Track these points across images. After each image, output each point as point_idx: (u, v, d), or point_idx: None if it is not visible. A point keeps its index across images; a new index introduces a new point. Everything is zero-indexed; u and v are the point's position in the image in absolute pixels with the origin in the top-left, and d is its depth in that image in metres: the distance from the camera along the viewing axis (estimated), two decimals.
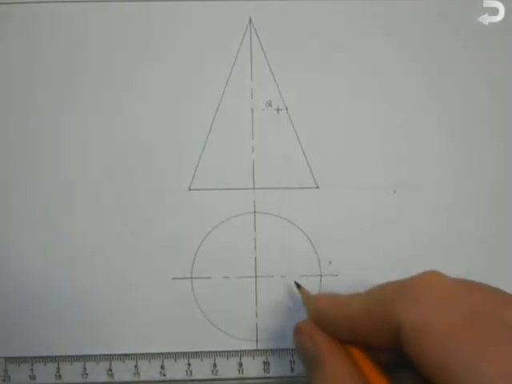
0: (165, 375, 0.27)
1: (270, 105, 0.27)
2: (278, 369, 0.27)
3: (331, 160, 0.27)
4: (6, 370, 0.26)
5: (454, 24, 0.28)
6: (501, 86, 0.28)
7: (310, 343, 0.21)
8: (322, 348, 0.21)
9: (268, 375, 0.27)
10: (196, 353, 0.27)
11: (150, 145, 0.27)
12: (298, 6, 0.27)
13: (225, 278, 0.27)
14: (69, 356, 0.27)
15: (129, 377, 0.27)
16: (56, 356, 0.27)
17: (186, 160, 0.27)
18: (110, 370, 0.27)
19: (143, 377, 0.27)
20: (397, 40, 0.28)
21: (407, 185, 0.27)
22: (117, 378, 0.27)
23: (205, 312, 0.27)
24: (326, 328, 0.21)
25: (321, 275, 0.27)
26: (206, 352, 0.27)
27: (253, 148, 0.27)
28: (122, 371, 0.27)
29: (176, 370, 0.27)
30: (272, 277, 0.27)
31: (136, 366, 0.27)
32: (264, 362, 0.27)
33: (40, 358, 0.26)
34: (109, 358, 0.27)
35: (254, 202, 0.27)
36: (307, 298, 0.24)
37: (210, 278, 0.27)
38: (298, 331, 0.23)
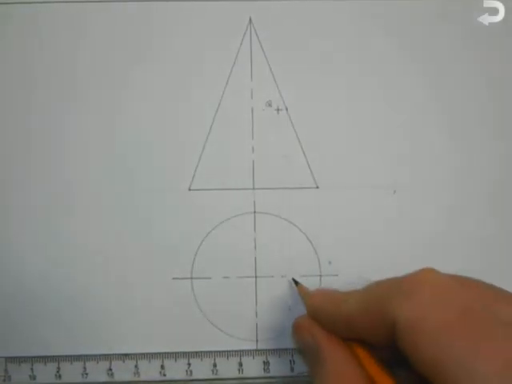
0: (165, 375, 0.27)
1: (269, 105, 0.27)
2: (278, 368, 0.27)
3: (331, 160, 0.27)
4: (6, 370, 0.26)
5: (454, 24, 0.28)
6: (501, 86, 0.28)
7: (310, 338, 0.21)
8: (321, 343, 0.21)
9: (268, 375, 0.27)
10: (196, 353, 0.27)
11: (149, 145, 0.27)
12: (298, 6, 0.27)
13: (225, 278, 0.27)
14: (69, 356, 0.27)
15: (129, 377, 0.27)
16: (56, 356, 0.27)
17: (186, 160, 0.27)
18: (110, 369, 0.27)
19: (143, 377, 0.27)
20: (397, 40, 0.28)
21: (407, 185, 0.27)
22: (117, 377, 0.27)
23: (205, 312, 0.27)
24: (323, 325, 0.21)
25: (321, 275, 0.27)
26: (206, 352, 0.27)
27: (253, 148, 0.27)
28: (122, 371, 0.27)
29: (176, 370, 0.27)
30: (272, 277, 0.27)
31: (136, 366, 0.27)
32: (264, 362, 0.27)
33: (40, 357, 0.26)
34: (109, 357, 0.27)
35: (254, 202, 0.27)
36: (305, 295, 0.24)
37: (209, 278, 0.27)
38: (297, 326, 0.23)
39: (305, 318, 0.22)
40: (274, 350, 0.27)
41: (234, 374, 0.27)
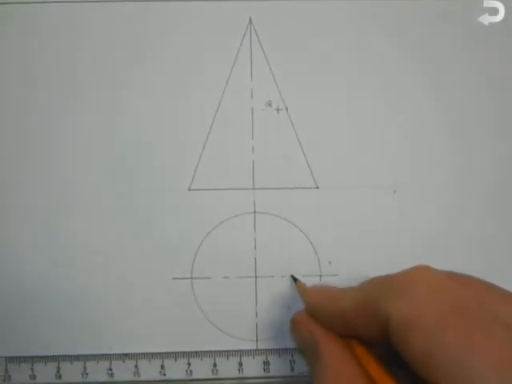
0: (165, 375, 0.27)
1: (270, 105, 0.27)
2: (278, 368, 0.27)
3: (331, 160, 0.27)
4: (6, 370, 0.26)
5: (454, 24, 0.28)
6: (501, 86, 0.28)
7: (307, 334, 0.21)
8: (319, 339, 0.21)
9: (268, 375, 0.27)
10: (196, 352, 0.27)
11: (149, 145, 0.27)
12: (298, 6, 0.27)
13: (225, 278, 0.27)
14: (69, 356, 0.27)
15: (129, 376, 0.27)
16: (56, 356, 0.27)
17: (186, 160, 0.27)
18: (110, 369, 0.27)
19: (143, 376, 0.27)
20: (397, 40, 0.28)
21: (407, 185, 0.27)
22: (117, 377, 0.27)
23: (205, 312, 0.27)
24: (321, 322, 0.21)
25: (321, 275, 0.27)
26: (206, 352, 0.27)
27: (253, 148, 0.27)
28: (122, 371, 0.27)
29: (176, 370, 0.27)
30: (272, 277, 0.27)
31: (136, 366, 0.27)
32: (264, 362, 0.27)
33: (40, 357, 0.26)
34: (109, 357, 0.27)
35: (254, 202, 0.27)
36: (304, 291, 0.24)
37: (209, 278, 0.27)
38: (294, 322, 0.23)
39: (303, 314, 0.22)
40: (274, 349, 0.27)
41: (234, 373, 0.27)
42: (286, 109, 0.27)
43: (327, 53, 0.27)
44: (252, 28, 0.27)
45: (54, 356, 0.27)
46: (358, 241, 0.27)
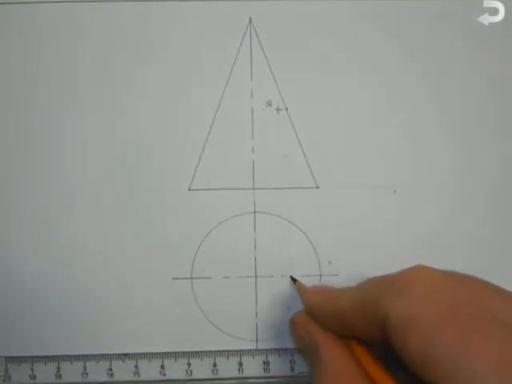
0: (165, 375, 0.27)
1: (270, 105, 0.27)
2: (278, 368, 0.27)
3: (331, 160, 0.27)
4: (6, 370, 0.26)
5: (454, 24, 0.28)
6: (501, 86, 0.28)
7: (307, 334, 0.21)
8: (318, 340, 0.21)
9: (268, 375, 0.27)
10: (196, 352, 0.27)
11: (149, 145, 0.27)
12: (298, 5, 0.27)
13: (225, 278, 0.27)
14: (69, 356, 0.27)
15: (129, 376, 0.27)
16: (56, 356, 0.27)
17: (186, 160, 0.27)
18: (110, 369, 0.27)
19: (143, 376, 0.27)
20: (397, 40, 0.28)
21: (407, 185, 0.27)
22: (117, 377, 0.27)
23: (205, 312, 0.27)
24: (320, 322, 0.21)
25: (321, 275, 0.27)
26: (206, 352, 0.27)
27: (253, 148, 0.27)
28: (122, 371, 0.27)
29: (176, 370, 0.27)
30: (272, 277, 0.27)
31: (136, 366, 0.27)
32: (264, 362, 0.27)
33: (40, 357, 0.26)
34: (109, 357, 0.27)
35: (254, 202, 0.27)
36: (303, 292, 0.24)
37: (210, 278, 0.27)
38: (293, 323, 0.23)
39: (302, 314, 0.23)
40: (274, 349, 0.27)
41: (234, 373, 0.27)
42: (286, 109, 0.27)
43: (327, 53, 0.27)
44: (252, 28, 0.27)
45: (53, 356, 0.27)
46: (358, 241, 0.27)
